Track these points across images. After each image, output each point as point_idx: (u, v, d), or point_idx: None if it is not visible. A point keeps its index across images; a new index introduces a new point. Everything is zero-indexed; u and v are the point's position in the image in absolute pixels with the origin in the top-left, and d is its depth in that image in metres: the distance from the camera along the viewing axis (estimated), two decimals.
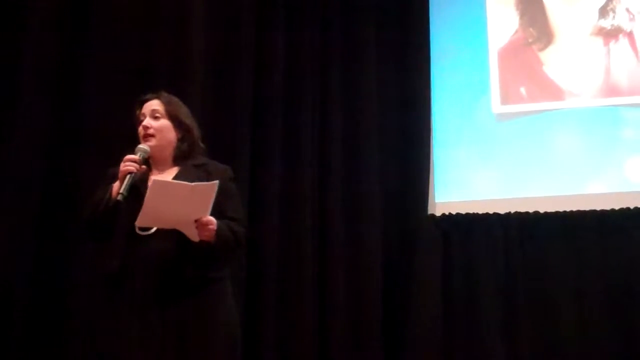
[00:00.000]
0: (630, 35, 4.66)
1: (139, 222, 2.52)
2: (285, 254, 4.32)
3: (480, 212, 4.54)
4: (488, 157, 4.69)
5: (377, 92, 4.73)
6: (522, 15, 4.85)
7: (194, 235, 2.56)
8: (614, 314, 4.20)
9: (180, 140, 2.75)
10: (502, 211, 4.50)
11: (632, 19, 4.67)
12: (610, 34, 4.69)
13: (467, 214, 4.56)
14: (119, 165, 2.58)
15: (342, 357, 4.26)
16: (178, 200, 2.49)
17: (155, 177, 2.65)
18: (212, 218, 2.54)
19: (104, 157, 3.66)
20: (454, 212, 4.59)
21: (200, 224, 2.53)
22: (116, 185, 2.55)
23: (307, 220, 4.43)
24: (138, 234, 2.56)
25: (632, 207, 4.36)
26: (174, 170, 2.72)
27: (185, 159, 2.74)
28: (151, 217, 2.51)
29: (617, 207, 4.38)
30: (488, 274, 4.38)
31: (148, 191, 2.48)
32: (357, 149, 4.64)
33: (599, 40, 4.70)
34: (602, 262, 4.30)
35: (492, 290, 4.34)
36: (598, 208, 4.40)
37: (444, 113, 4.80)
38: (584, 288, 4.28)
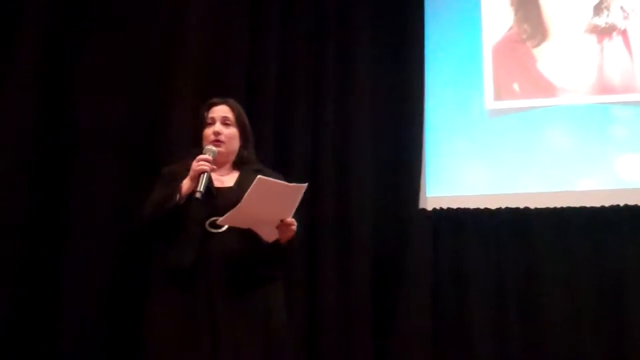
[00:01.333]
0: (624, 33, 4.67)
1: (225, 221, 2.60)
2: None
3: (471, 207, 4.54)
4: (480, 153, 4.69)
5: (370, 86, 4.72)
6: (517, 11, 4.86)
7: (269, 235, 2.64)
8: (604, 310, 4.21)
9: (243, 147, 2.89)
10: (493, 206, 4.51)
11: (626, 17, 4.68)
12: (604, 32, 4.70)
13: (458, 208, 4.56)
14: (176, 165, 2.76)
15: (332, 349, 4.25)
16: (272, 199, 2.57)
17: (219, 177, 2.75)
18: (294, 220, 2.65)
19: (93, 161, 3.76)
20: (445, 207, 4.58)
21: (285, 225, 2.62)
22: (186, 183, 2.64)
23: (297, 213, 4.40)
24: (209, 231, 2.65)
25: (622, 204, 4.36)
26: (235, 174, 2.84)
27: (243, 165, 2.86)
28: (240, 215, 2.57)
29: (607, 204, 4.38)
30: (478, 268, 4.38)
31: (251, 188, 2.53)
32: (349, 144, 4.62)
33: (593, 38, 4.70)
34: (593, 259, 4.31)
35: (482, 285, 4.35)
36: (589, 205, 4.41)
37: (437, 108, 4.79)
38: (574, 284, 4.28)
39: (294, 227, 2.65)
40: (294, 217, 2.65)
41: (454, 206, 4.57)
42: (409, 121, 4.67)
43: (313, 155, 4.58)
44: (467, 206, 4.55)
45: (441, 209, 4.59)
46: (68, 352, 3.59)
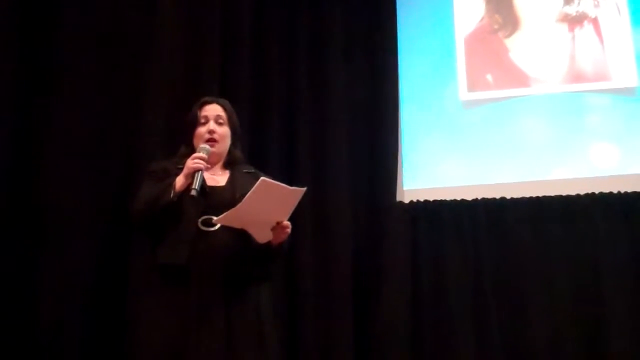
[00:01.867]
0: (595, 21, 4.71)
1: (222, 220, 2.60)
2: None
3: (448, 198, 4.55)
4: (455, 144, 4.71)
5: (344, 80, 4.71)
6: (488, 2, 4.89)
7: (262, 236, 2.66)
8: (581, 298, 4.23)
9: (233, 146, 2.92)
10: (469, 197, 4.52)
11: (596, 5, 4.72)
12: (575, 20, 4.73)
13: (435, 200, 4.57)
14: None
15: (312, 341, 4.25)
16: (272, 201, 2.58)
17: (212, 176, 2.77)
18: (289, 223, 2.68)
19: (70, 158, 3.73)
20: (422, 199, 4.59)
21: (281, 227, 2.65)
22: (180, 180, 2.65)
23: None
24: (201, 230, 2.65)
25: (597, 192, 4.39)
26: (226, 174, 2.86)
27: (234, 164, 2.90)
28: (238, 215, 2.58)
29: (582, 193, 4.41)
30: (456, 259, 4.40)
31: (252, 190, 2.54)
32: (324, 137, 4.61)
33: (564, 27, 4.74)
34: (569, 247, 4.33)
35: (461, 275, 4.36)
36: (564, 193, 4.43)
37: (411, 100, 4.80)
38: (551, 272, 4.30)
39: (289, 230, 2.70)
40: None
41: (431, 198, 4.58)
42: (383, 114, 4.67)
43: (289, 149, 4.56)
44: (443, 198, 4.56)
45: (418, 201, 4.59)
46: (48, 350, 3.56)
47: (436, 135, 4.74)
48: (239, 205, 2.56)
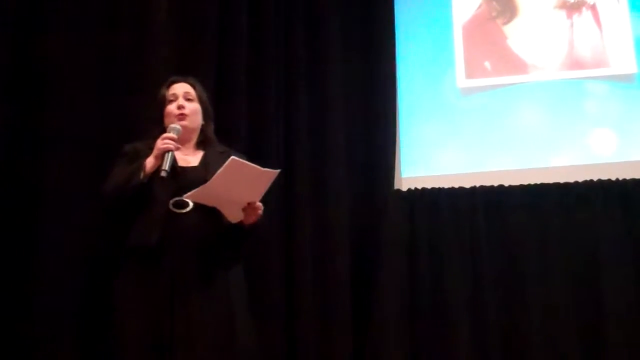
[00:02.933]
0: (593, 8, 4.69)
1: (191, 197, 2.57)
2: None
3: (446, 186, 4.54)
4: (453, 132, 4.70)
5: (342, 68, 4.69)
6: None
7: (234, 216, 2.64)
8: (578, 284, 4.23)
9: (205, 125, 2.89)
10: (467, 185, 4.51)
11: None
12: (573, 7, 4.71)
13: (433, 188, 4.56)
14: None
15: (311, 331, 4.24)
16: (243, 181, 2.55)
17: (184, 156, 2.74)
18: (261, 204, 2.66)
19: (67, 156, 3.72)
20: (420, 187, 4.58)
21: (252, 208, 2.63)
22: (150, 162, 2.61)
23: (274, 198, 4.39)
24: (172, 211, 2.62)
25: (595, 179, 4.38)
26: (199, 154, 2.82)
27: (207, 144, 2.86)
28: (207, 193, 2.55)
29: (581, 180, 4.40)
30: (454, 247, 4.39)
31: (222, 168, 2.51)
32: (323, 126, 4.60)
33: (562, 13, 4.72)
34: (567, 234, 4.32)
35: (459, 263, 4.35)
36: (562, 180, 4.42)
37: (409, 88, 4.78)
38: (548, 259, 4.29)
39: (260, 212, 2.66)
40: (263, 201, 2.65)
41: (429, 186, 4.57)
42: (381, 102, 4.66)
43: (287, 138, 4.54)
44: (441, 185, 4.55)
45: (416, 189, 4.58)
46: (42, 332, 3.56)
47: (434, 123, 4.72)
48: (208, 183, 2.52)
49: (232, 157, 2.55)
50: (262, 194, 2.64)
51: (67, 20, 3.88)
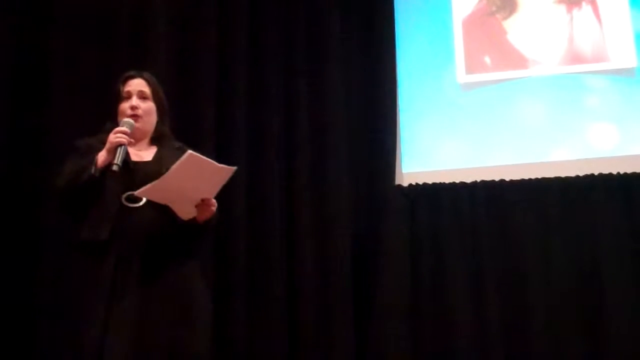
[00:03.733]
0: (593, 2, 4.69)
1: (143, 193, 2.51)
2: (254, 227, 4.30)
3: (446, 181, 4.54)
4: (454, 127, 4.70)
5: (342, 64, 4.69)
6: None
7: (186, 213, 2.58)
8: (579, 279, 4.23)
9: (160, 122, 2.82)
10: (468, 180, 4.51)
11: None
12: (573, 2, 4.72)
13: (434, 183, 4.56)
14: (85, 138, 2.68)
15: (313, 325, 4.26)
16: (198, 176, 2.50)
17: (137, 152, 2.68)
18: (215, 201, 2.61)
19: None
20: (420, 182, 4.58)
21: (205, 204, 2.59)
22: (102, 156, 2.54)
23: (275, 193, 4.41)
24: (125, 205, 2.58)
25: (596, 173, 4.38)
26: (153, 150, 2.76)
27: (162, 140, 2.80)
28: (161, 188, 2.49)
29: (581, 174, 4.40)
30: (455, 242, 4.40)
31: (178, 163, 2.45)
32: (324, 121, 4.60)
33: (562, 8, 4.72)
34: (568, 228, 4.32)
35: (459, 258, 4.36)
36: (563, 175, 4.42)
37: (409, 83, 4.78)
38: (550, 254, 4.30)
39: (214, 208, 2.62)
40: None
41: (430, 181, 4.57)
42: (382, 98, 4.66)
43: (288, 135, 4.55)
44: (442, 181, 4.55)
45: (417, 184, 4.59)
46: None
47: (435, 118, 4.72)
48: (163, 177, 2.46)
49: (190, 151, 2.49)
50: (217, 191, 2.59)
51: (67, 21, 3.90)
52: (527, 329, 4.22)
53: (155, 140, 2.81)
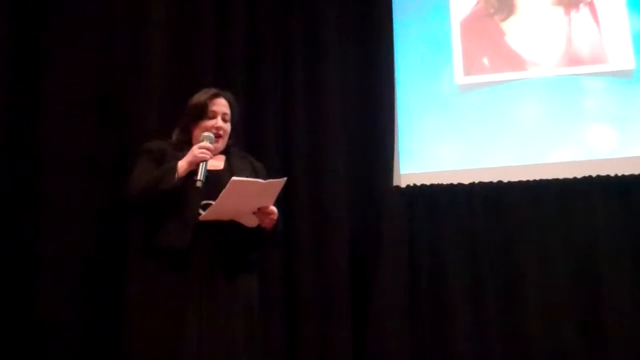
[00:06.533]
0: (590, 4, 4.69)
1: (204, 217, 2.67)
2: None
3: (444, 182, 4.54)
4: (452, 128, 4.69)
5: (339, 65, 4.68)
6: None
7: (251, 221, 2.75)
8: (577, 280, 4.23)
9: (230, 138, 3.00)
10: (466, 181, 4.50)
11: None
12: (571, 3, 4.72)
13: (432, 184, 4.55)
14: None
15: (310, 326, 4.24)
16: (250, 195, 2.67)
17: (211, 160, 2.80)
18: (274, 208, 2.77)
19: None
20: (418, 184, 4.57)
21: (263, 212, 2.74)
22: (182, 166, 2.70)
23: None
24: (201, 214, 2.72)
25: (594, 174, 4.38)
26: (221, 158, 2.93)
27: (229, 150, 2.99)
28: (219, 210, 2.65)
29: (579, 176, 4.40)
30: (453, 243, 4.39)
31: (226, 189, 2.61)
32: (321, 122, 4.59)
33: (560, 10, 4.72)
34: (566, 230, 4.32)
35: (457, 259, 4.35)
36: (561, 177, 4.42)
37: (407, 85, 4.78)
38: (547, 256, 4.29)
39: (273, 216, 2.77)
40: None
41: (428, 182, 4.56)
42: (380, 99, 4.64)
43: (285, 135, 4.54)
44: (440, 182, 4.54)
45: (415, 185, 4.57)
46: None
47: (433, 120, 4.72)
48: (215, 204, 2.63)
49: (233, 178, 2.64)
50: (273, 201, 2.75)
51: (66, 21, 3.89)
52: (525, 329, 4.20)
53: (223, 151, 2.98)
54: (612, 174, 4.36)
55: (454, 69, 4.76)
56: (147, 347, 2.65)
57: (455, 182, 4.52)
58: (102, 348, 3.60)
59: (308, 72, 4.65)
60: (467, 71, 4.75)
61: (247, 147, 4.31)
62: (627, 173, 4.36)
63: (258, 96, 4.47)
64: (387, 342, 4.22)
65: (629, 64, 4.56)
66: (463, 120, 4.68)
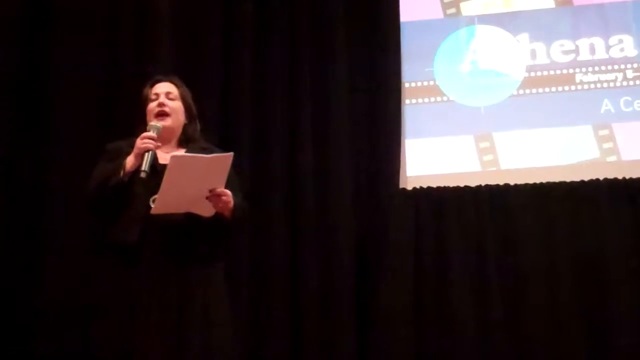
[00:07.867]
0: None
1: (155, 210, 2.56)
2: (257, 232, 4.31)
3: (451, 185, 4.53)
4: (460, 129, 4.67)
5: (347, 67, 4.69)
6: None
7: (207, 210, 2.61)
8: (582, 283, 4.22)
9: (188, 124, 2.85)
10: (473, 184, 4.49)
11: None
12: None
13: (439, 187, 4.54)
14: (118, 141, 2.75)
15: (315, 329, 4.26)
16: (195, 175, 2.51)
17: (165, 154, 2.69)
18: (227, 190, 2.61)
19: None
20: (425, 186, 4.56)
21: (214, 195, 2.58)
22: (130, 161, 2.61)
23: (278, 196, 4.42)
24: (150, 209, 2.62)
25: (601, 178, 4.36)
26: (181, 152, 2.78)
27: (189, 142, 2.83)
28: (168, 199, 2.53)
29: (587, 179, 4.38)
30: (459, 246, 4.38)
31: (167, 169, 2.50)
32: (327, 124, 4.60)
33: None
34: (573, 234, 4.30)
35: (463, 262, 4.34)
36: (568, 179, 4.40)
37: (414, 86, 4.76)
38: (555, 259, 4.28)
39: (226, 198, 2.62)
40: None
41: (434, 185, 4.55)
42: (387, 100, 4.64)
43: (291, 137, 4.55)
44: (447, 184, 4.53)
45: (421, 188, 4.57)
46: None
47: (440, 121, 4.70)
48: (160, 190, 2.52)
49: (172, 154, 2.55)
50: (224, 182, 2.59)
51: (70, 24, 3.93)
52: (531, 333, 4.19)
53: (183, 142, 2.85)
54: (620, 177, 4.35)
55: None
56: (101, 348, 2.64)
57: (462, 185, 4.51)
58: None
59: (315, 74, 4.65)
60: None
61: (254, 152, 4.37)
62: (635, 176, 4.34)
63: (265, 95, 4.49)
64: (392, 345, 4.22)
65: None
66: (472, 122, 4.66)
